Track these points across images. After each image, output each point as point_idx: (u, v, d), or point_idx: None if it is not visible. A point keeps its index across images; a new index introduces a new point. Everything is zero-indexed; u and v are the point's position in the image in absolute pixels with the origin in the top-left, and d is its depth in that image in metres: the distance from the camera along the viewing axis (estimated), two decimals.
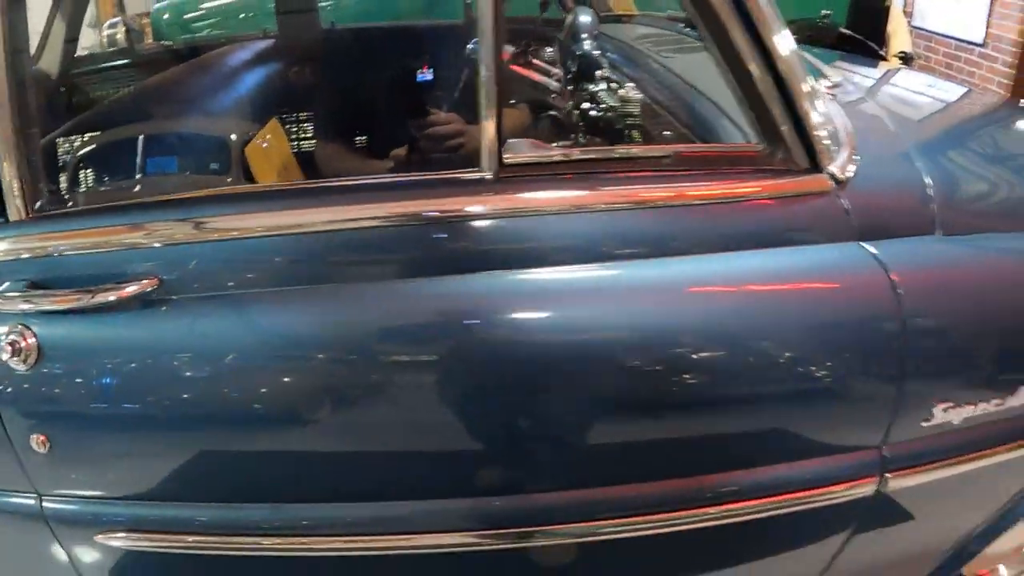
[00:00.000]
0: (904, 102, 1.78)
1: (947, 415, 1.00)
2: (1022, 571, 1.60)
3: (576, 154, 0.98)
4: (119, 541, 0.98)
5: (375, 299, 0.92)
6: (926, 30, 5.19)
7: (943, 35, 5.04)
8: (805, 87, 0.99)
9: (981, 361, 1.04)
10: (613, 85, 1.28)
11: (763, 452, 0.98)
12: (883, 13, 3.98)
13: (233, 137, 1.45)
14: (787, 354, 0.94)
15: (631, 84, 1.30)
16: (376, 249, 0.94)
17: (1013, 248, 1.10)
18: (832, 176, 1.00)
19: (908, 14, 5.34)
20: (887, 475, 1.01)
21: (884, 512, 1.07)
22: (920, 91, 1.96)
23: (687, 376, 0.92)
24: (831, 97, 1.31)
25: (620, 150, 0.97)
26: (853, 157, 1.06)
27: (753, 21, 0.93)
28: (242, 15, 3.29)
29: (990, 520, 1.21)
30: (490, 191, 0.94)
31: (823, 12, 3.68)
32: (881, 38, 4.01)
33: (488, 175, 0.94)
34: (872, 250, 0.98)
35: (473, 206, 0.93)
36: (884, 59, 3.94)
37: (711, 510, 0.96)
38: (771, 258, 0.97)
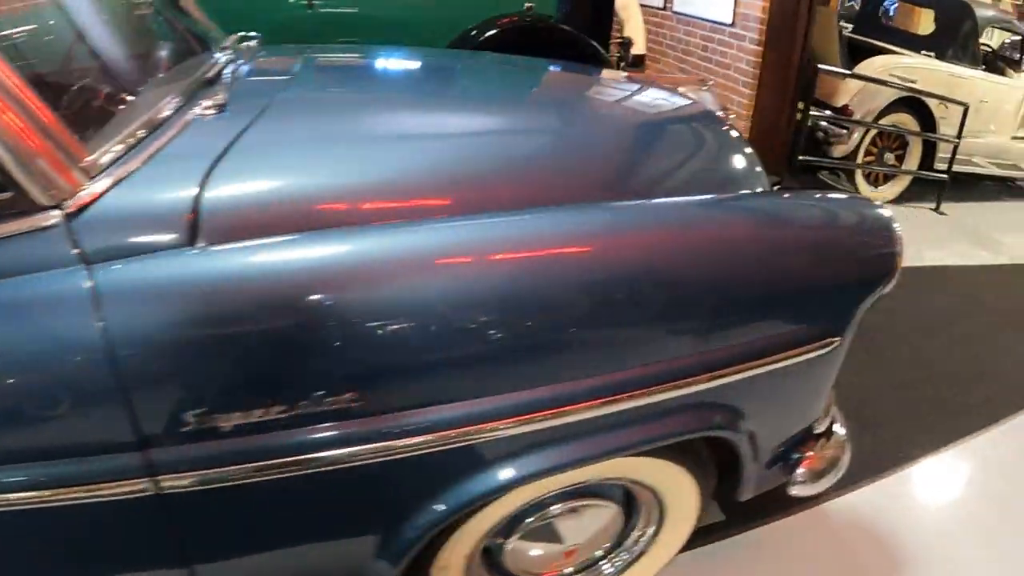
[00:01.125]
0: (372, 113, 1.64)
1: (208, 422, 1.05)
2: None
3: None
4: None
5: None
6: (686, 15, 5.35)
7: (699, 18, 5.19)
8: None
9: (231, 369, 1.06)
10: None
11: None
12: (608, 2, 3.91)
13: None
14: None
15: None
16: None
17: (281, 256, 1.10)
18: (59, 207, 1.04)
19: (672, 0, 5.51)
20: (160, 477, 1.07)
21: (201, 512, 1.13)
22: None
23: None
24: (205, 117, 1.31)
25: None
26: (106, 185, 1.08)
27: None
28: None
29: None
30: None
31: (526, 4, 3.52)
32: (608, 29, 4.03)
33: None
34: (95, 275, 1.02)
35: None
36: (607, 63, 3.82)
37: None
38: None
